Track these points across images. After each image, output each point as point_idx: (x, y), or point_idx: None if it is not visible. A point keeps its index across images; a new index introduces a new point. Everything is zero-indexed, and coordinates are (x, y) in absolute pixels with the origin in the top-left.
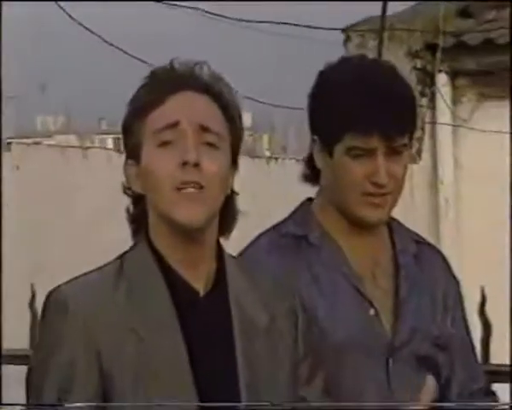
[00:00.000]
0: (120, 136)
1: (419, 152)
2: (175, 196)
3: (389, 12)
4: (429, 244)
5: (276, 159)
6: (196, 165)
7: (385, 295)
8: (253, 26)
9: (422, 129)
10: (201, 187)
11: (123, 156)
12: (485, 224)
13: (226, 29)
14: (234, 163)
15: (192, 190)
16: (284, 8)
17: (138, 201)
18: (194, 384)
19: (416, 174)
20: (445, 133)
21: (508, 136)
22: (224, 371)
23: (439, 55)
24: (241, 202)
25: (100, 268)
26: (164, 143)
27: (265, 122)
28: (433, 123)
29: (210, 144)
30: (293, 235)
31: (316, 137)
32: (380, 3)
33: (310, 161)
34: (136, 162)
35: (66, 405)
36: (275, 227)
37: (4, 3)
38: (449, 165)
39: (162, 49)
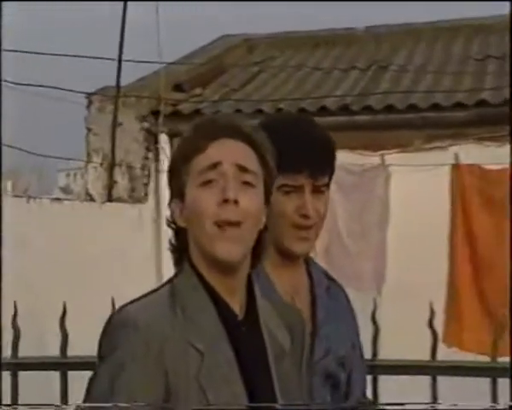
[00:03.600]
0: None
1: (146, 195)
2: (215, 232)
3: (123, 83)
4: (335, 281)
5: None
6: (236, 202)
7: None
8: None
9: (148, 176)
10: (239, 224)
11: None
12: None
13: None
14: (266, 202)
15: (232, 230)
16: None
17: (179, 233)
18: (246, 395)
19: (144, 212)
20: (165, 180)
21: None
22: (266, 389)
23: (160, 119)
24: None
25: (154, 291)
26: (206, 183)
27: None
28: (157, 171)
29: (247, 183)
30: None
31: None
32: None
33: None
34: (180, 200)
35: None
36: None
37: None
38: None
39: None
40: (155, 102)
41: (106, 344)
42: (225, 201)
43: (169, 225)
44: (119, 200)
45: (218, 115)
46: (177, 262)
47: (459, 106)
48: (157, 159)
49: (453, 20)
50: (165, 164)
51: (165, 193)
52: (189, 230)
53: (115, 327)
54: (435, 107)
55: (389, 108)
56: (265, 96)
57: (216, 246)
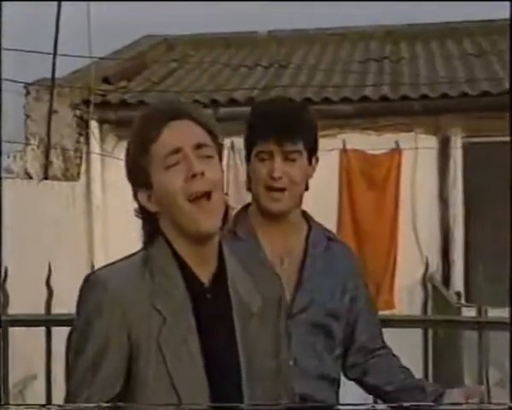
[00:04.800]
0: None
1: (78, 174)
2: (190, 208)
3: (58, 75)
4: (340, 242)
5: None
6: (202, 174)
7: (289, 276)
8: None
9: (80, 157)
10: (210, 195)
11: None
12: (122, 228)
13: None
14: (221, 169)
15: (204, 202)
16: None
17: (150, 218)
18: (201, 355)
19: (76, 189)
20: (95, 161)
21: None
22: (227, 349)
23: (91, 108)
24: None
25: (128, 257)
26: (171, 166)
27: None
28: (88, 153)
29: (206, 156)
30: (228, 230)
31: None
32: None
33: (248, 175)
34: (146, 188)
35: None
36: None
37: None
38: (99, 182)
39: None
40: (86, 93)
41: (79, 302)
42: (193, 176)
43: (137, 216)
44: (55, 178)
45: (160, 102)
46: (150, 240)
47: (346, 100)
48: (88, 142)
49: (341, 27)
50: (96, 147)
51: (96, 172)
52: (162, 212)
53: (87, 288)
54: (326, 100)
55: None
56: (183, 88)
57: (195, 221)
